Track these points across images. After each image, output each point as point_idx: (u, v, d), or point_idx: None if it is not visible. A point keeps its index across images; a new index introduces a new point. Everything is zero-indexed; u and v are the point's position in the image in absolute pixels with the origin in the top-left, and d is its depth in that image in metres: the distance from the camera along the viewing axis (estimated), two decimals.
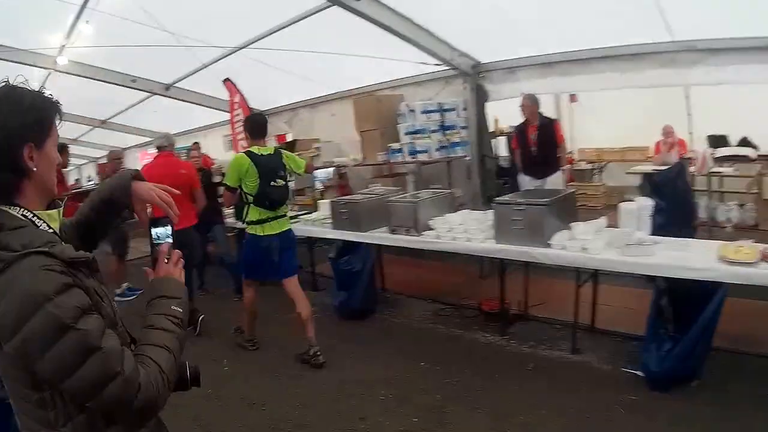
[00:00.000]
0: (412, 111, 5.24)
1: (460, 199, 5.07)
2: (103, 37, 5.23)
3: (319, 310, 4.34)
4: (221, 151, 8.54)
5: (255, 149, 3.48)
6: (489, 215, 3.58)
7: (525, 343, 3.58)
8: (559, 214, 3.31)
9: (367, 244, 4.28)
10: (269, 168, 3.40)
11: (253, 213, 3.47)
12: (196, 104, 7.87)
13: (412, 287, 4.87)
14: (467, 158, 5.39)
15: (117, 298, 5.24)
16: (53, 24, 5.19)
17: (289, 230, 3.64)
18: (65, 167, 4.36)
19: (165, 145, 4.35)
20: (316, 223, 4.77)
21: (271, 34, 5.12)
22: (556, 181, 5.00)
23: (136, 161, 14.06)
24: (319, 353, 3.52)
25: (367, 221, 4.16)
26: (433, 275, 5.09)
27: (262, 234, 3.47)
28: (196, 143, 6.01)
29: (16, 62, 5.61)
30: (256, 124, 3.63)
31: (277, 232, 3.51)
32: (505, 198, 3.59)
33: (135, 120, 9.79)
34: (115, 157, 5.60)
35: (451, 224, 3.72)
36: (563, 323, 3.68)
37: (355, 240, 4.26)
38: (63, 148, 4.58)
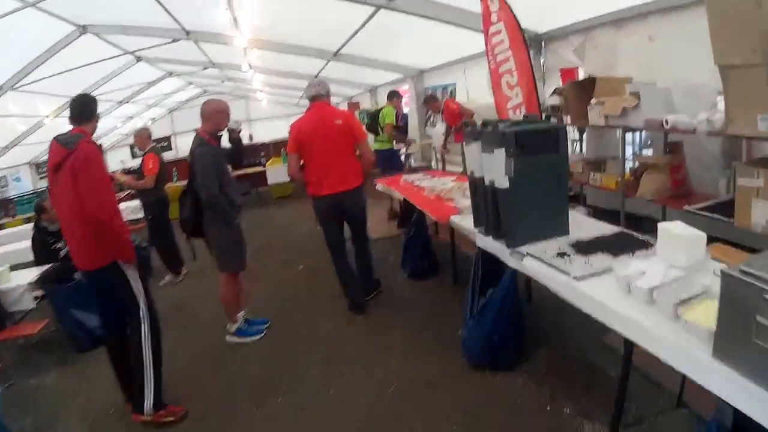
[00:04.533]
0: None
1: None
2: None
3: None
4: (485, 89, 5.32)
5: None
6: None
7: None
8: None
9: None
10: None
11: None
12: (432, 19, 5.07)
13: None
14: None
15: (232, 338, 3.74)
16: None
17: (384, 149, 6.48)
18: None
19: (321, 94, 3.69)
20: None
21: None
22: None
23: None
24: None
25: None
26: None
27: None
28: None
29: None
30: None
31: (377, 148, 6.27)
32: None
33: (375, 51, 7.59)
34: (139, 136, 5.41)
35: None
36: None
37: None
38: None
